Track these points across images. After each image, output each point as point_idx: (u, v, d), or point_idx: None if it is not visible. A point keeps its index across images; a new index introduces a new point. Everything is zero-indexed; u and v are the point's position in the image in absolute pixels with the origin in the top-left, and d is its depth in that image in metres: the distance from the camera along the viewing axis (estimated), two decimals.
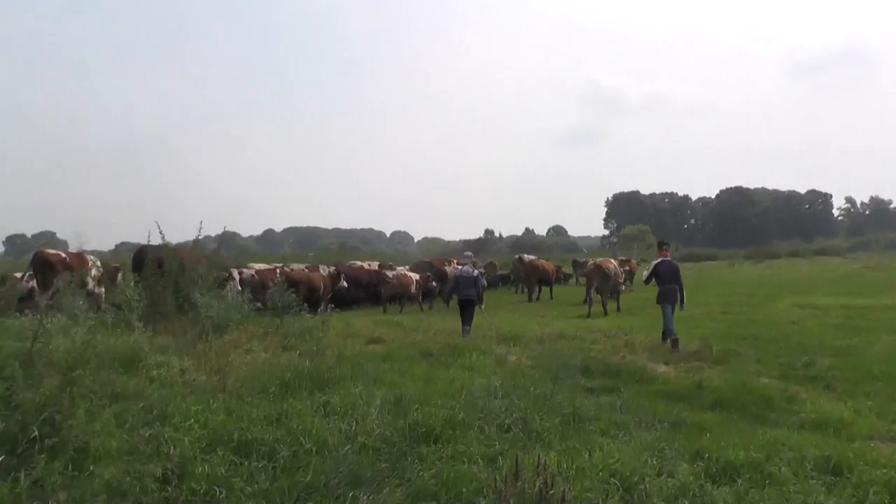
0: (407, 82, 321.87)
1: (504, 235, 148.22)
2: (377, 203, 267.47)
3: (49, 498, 4.90)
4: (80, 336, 6.84)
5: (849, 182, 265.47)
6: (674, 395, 9.70)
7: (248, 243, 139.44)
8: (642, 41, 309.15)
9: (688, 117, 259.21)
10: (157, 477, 5.41)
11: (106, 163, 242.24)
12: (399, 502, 5.33)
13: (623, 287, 27.12)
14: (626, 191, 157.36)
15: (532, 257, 40.82)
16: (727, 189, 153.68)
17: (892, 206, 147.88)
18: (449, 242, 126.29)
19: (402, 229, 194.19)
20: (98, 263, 23.32)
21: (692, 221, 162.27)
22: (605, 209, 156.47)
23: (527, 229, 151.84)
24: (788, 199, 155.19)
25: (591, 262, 27.82)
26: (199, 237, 15.24)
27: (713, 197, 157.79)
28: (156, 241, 15.53)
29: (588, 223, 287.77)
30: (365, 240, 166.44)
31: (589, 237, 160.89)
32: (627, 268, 35.01)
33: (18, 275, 23.16)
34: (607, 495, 5.40)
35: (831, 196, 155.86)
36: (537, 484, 4.77)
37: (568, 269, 46.28)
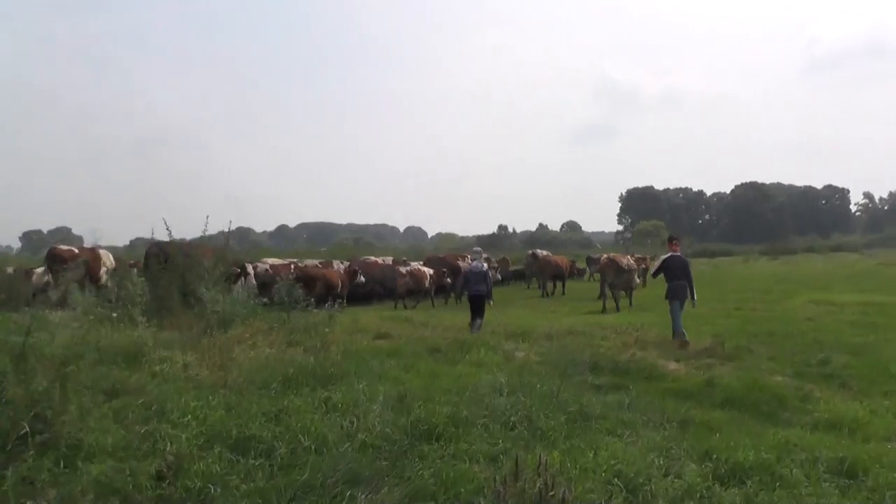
0: (422, 78, 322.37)
1: (518, 231, 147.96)
2: (391, 199, 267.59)
3: (38, 495, 4.78)
4: (74, 331, 6.69)
5: (867, 177, 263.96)
6: (683, 393, 9.49)
7: (261, 239, 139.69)
8: (658, 36, 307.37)
9: (703, 112, 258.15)
10: (151, 474, 5.30)
11: (122, 159, 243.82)
12: (397, 502, 5.16)
13: (636, 283, 26.91)
14: (640, 186, 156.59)
15: (545, 253, 40.65)
16: (742, 184, 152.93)
17: None
18: (463, 238, 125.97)
19: (416, 225, 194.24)
20: (111, 258, 23.40)
21: (707, 217, 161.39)
22: (620, 205, 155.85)
23: (540, 225, 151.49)
24: (805, 195, 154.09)
25: (604, 256, 27.66)
26: (206, 232, 15.11)
27: (728, 192, 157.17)
28: (161, 236, 15.47)
29: (602, 219, 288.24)
30: (378, 235, 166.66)
31: (603, 233, 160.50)
32: (644, 266, 34.77)
33: (39, 270, 23.31)
34: (611, 496, 5.23)
35: (849, 191, 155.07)
36: (537, 485, 4.60)
37: (582, 265, 46.05)
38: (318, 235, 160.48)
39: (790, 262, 62.09)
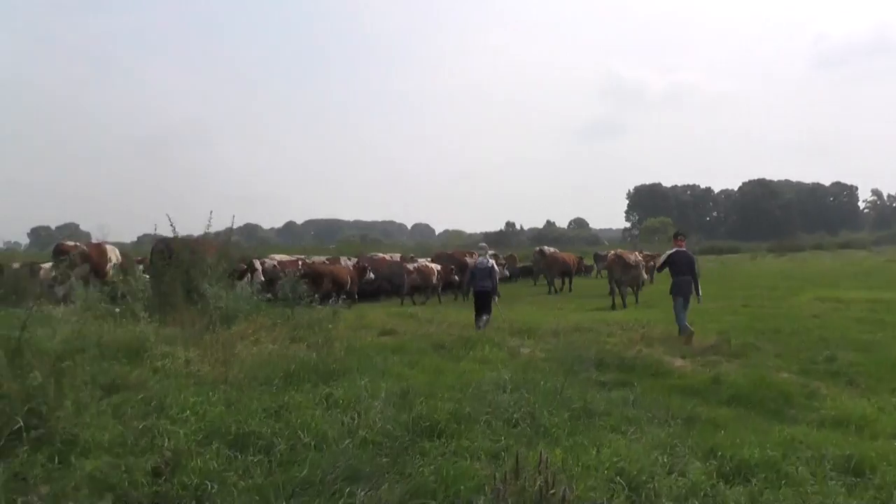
0: (428, 76, 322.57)
1: (525, 228, 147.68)
2: (398, 196, 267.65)
3: (30, 491, 4.72)
4: (72, 325, 6.64)
5: (875, 174, 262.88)
6: (689, 389, 9.40)
7: (269, 235, 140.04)
8: (664, 33, 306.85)
9: (710, 109, 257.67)
10: (147, 470, 5.24)
11: (130, 156, 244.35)
12: (396, 499, 5.10)
13: (644, 280, 26.84)
14: (647, 183, 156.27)
15: (553, 249, 40.57)
16: (750, 181, 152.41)
17: None
18: (470, 235, 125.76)
19: (424, 222, 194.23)
20: (117, 253, 23.42)
21: (714, 214, 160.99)
22: (627, 202, 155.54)
23: (548, 222, 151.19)
24: (813, 192, 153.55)
25: (611, 253, 27.59)
26: (209, 228, 15.08)
27: (736, 189, 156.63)
28: (165, 232, 15.47)
29: (610, 216, 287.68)
30: (386, 232, 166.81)
31: (610, 230, 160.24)
32: (652, 263, 34.64)
33: (47, 265, 23.35)
34: (613, 495, 5.15)
35: (857, 188, 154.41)
36: (538, 482, 4.54)
37: (590, 262, 45.95)
38: (325, 232, 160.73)
39: (797, 259, 61.86)
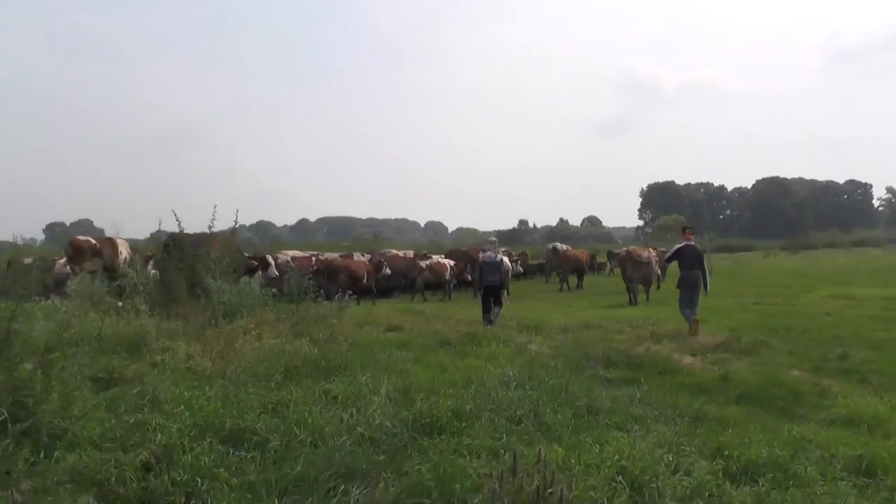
0: (442, 72, 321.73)
1: (538, 226, 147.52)
2: (412, 193, 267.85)
3: (11, 486, 4.59)
4: (60, 317, 6.52)
5: (890, 172, 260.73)
6: (697, 387, 9.24)
7: (282, 233, 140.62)
8: (678, 30, 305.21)
9: (724, 106, 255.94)
10: (136, 466, 5.11)
11: (144, 152, 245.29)
12: (392, 498, 4.96)
13: (657, 275, 26.70)
14: (661, 181, 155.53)
15: (565, 247, 40.49)
16: (764, 179, 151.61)
17: None
18: (483, 232, 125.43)
19: (437, 219, 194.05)
20: (128, 248, 23.48)
21: (728, 212, 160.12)
22: (640, 199, 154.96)
23: (561, 219, 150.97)
24: (827, 190, 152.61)
25: (623, 250, 27.49)
26: (213, 222, 15.03)
27: (749, 187, 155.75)
28: (171, 228, 15.46)
29: (623, 214, 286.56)
30: (399, 229, 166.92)
31: (624, 228, 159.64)
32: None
33: (62, 261, 23.45)
34: (614, 494, 4.98)
35: (871, 186, 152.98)
36: (535, 481, 4.38)
37: (602, 259, 45.83)
38: (338, 230, 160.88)
39: (811, 257, 61.31)
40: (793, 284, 29.13)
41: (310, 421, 6.32)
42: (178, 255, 14.37)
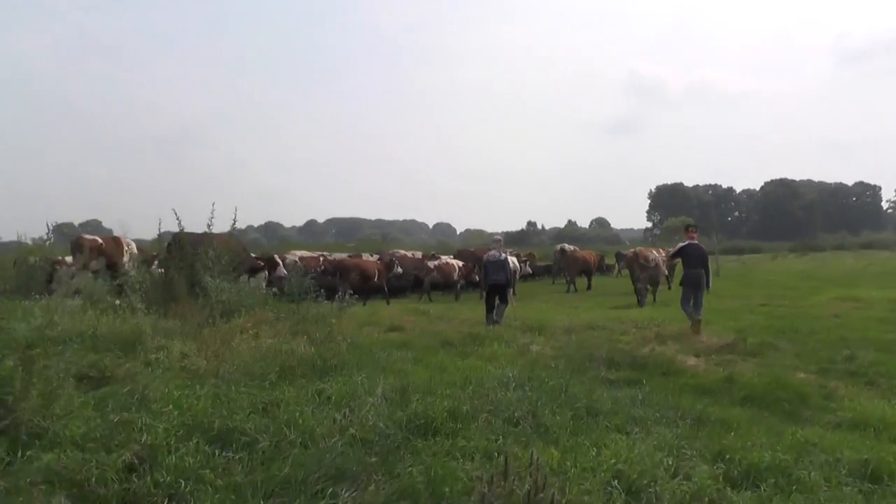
0: (450, 72, 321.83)
1: (546, 228, 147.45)
2: (420, 195, 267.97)
3: None
4: (44, 314, 6.39)
5: None
6: (701, 389, 9.05)
7: (290, 233, 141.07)
8: (687, 30, 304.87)
9: (732, 108, 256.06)
10: (119, 466, 4.98)
11: (151, 153, 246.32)
12: (381, 501, 4.81)
13: (665, 275, 26.56)
14: (669, 183, 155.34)
15: (573, 248, 40.39)
16: (772, 181, 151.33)
17: None
18: (491, 234, 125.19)
19: (445, 221, 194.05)
20: (134, 248, 23.47)
21: (736, 214, 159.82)
22: (649, 201, 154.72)
23: (569, 221, 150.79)
24: (835, 192, 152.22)
25: (630, 251, 27.38)
26: (212, 220, 14.94)
27: (758, 189, 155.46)
28: (172, 227, 15.40)
29: (631, 215, 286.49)
30: (407, 231, 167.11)
31: (632, 229, 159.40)
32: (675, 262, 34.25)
33: (69, 259, 23.44)
34: (609, 499, 4.83)
35: (880, 188, 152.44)
36: (527, 485, 4.24)
37: (611, 261, 45.67)
38: (346, 231, 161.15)
39: (819, 259, 61.05)
40: (800, 286, 28.90)
41: (301, 421, 6.19)
42: (178, 254, 14.32)
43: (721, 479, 5.41)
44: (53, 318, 6.76)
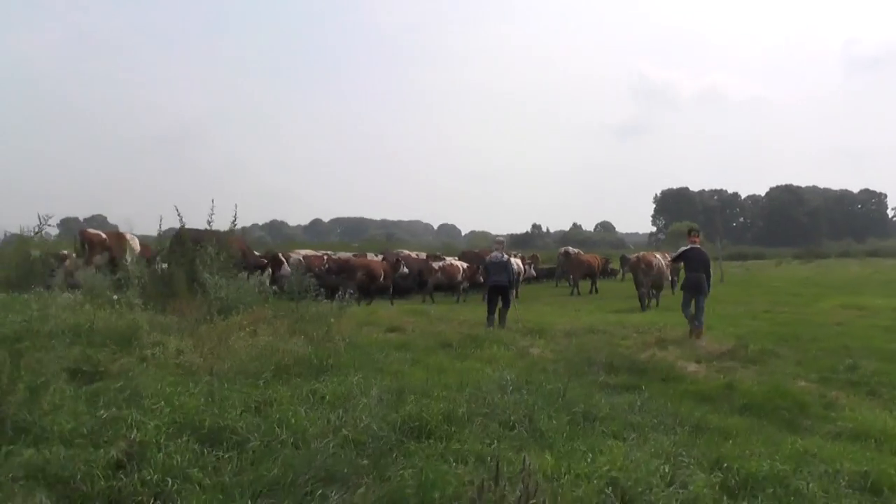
0: (454, 72, 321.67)
1: (551, 230, 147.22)
2: (425, 196, 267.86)
3: None
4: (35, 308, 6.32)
5: None
6: (700, 395, 8.97)
7: (295, 232, 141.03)
8: (694, 35, 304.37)
9: (739, 113, 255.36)
10: (106, 463, 4.91)
11: (158, 152, 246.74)
12: None
13: (667, 281, 26.48)
14: (674, 187, 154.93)
15: (577, 250, 40.29)
16: (777, 187, 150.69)
17: None
18: (496, 236, 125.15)
19: (450, 222, 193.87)
20: (137, 243, 23.42)
21: (741, 219, 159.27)
22: (654, 206, 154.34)
23: (574, 224, 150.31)
24: (841, 199, 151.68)
25: (634, 255, 27.31)
26: (210, 221, 14.91)
27: (763, 195, 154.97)
28: (173, 223, 15.38)
29: (636, 220, 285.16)
30: (412, 231, 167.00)
31: (637, 234, 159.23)
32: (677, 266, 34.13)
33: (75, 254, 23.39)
34: None
35: (886, 196, 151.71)
36: (517, 491, 4.15)
37: (616, 264, 45.56)
38: (351, 230, 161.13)
39: (823, 266, 60.71)
40: (804, 293, 28.72)
41: (293, 421, 6.12)
42: (179, 249, 14.29)
43: (718, 488, 5.33)
44: (46, 311, 6.60)
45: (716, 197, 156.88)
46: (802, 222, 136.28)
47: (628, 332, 15.12)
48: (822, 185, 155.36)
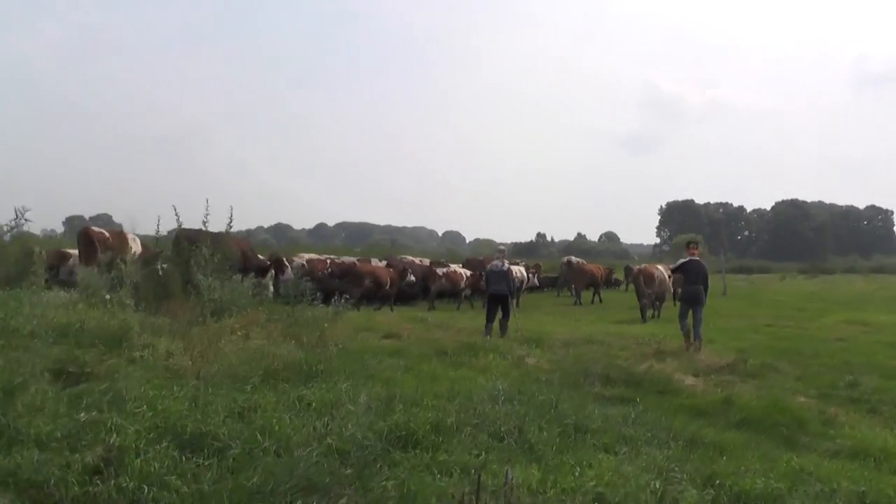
0: (463, 81, 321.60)
1: (556, 240, 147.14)
2: (430, 202, 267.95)
3: None
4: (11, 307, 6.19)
5: None
6: (697, 409, 8.84)
7: (299, 236, 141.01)
8: (704, 47, 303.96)
9: (747, 126, 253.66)
10: (82, 469, 4.77)
11: (163, 151, 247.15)
12: None
13: (669, 293, 26.37)
14: (680, 199, 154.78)
15: (579, 260, 40.17)
16: (783, 201, 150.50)
17: None
18: (500, 244, 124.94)
19: (455, 229, 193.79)
20: (138, 243, 23.37)
21: (746, 233, 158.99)
22: (659, 217, 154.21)
23: (579, 234, 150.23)
24: (847, 215, 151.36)
25: (636, 267, 27.25)
26: (206, 222, 14.82)
27: (769, 209, 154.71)
28: (169, 224, 15.32)
29: (641, 231, 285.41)
30: (417, 238, 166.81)
31: (641, 245, 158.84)
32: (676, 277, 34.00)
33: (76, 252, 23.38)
34: None
35: (892, 212, 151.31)
36: None
37: (620, 275, 45.40)
38: (356, 235, 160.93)
39: (828, 281, 60.54)
40: (808, 308, 28.56)
41: (277, 428, 5.96)
42: (176, 250, 14.21)
43: None
44: (25, 310, 6.47)
45: (721, 210, 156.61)
46: (808, 237, 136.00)
47: (627, 343, 15.01)
48: (827, 200, 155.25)
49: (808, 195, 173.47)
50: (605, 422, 7.46)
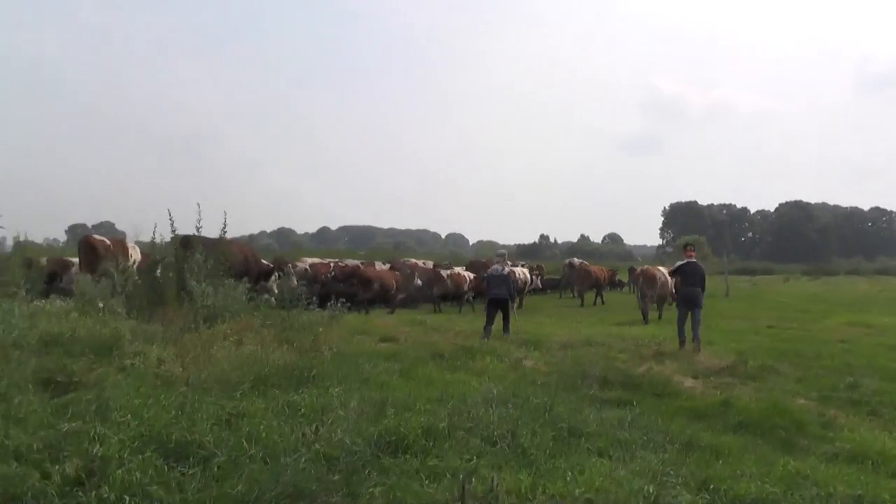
0: (466, 82, 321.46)
1: (559, 241, 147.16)
2: (433, 205, 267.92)
3: None
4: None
5: None
6: (695, 412, 8.70)
7: (302, 240, 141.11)
8: (707, 49, 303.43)
9: (750, 127, 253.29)
10: (63, 480, 4.69)
11: (165, 157, 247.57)
12: None
13: (670, 295, 26.28)
14: (683, 201, 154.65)
15: (582, 262, 40.09)
16: (787, 203, 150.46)
17: None
18: (504, 246, 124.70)
19: (458, 231, 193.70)
20: (138, 251, 23.34)
21: (750, 234, 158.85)
22: (662, 219, 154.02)
23: (582, 236, 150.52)
24: (850, 216, 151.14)
25: (638, 269, 27.16)
26: (199, 227, 14.72)
27: (772, 210, 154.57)
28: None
29: (644, 232, 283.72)
30: (420, 240, 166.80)
31: (645, 246, 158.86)
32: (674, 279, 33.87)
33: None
34: None
35: None
36: None
37: (623, 276, 45.29)
38: (359, 238, 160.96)
39: (832, 283, 60.34)
40: (811, 309, 28.39)
41: (264, 435, 5.88)
42: (176, 256, 14.13)
43: None
44: (11, 321, 6.40)
45: (725, 211, 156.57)
46: (812, 239, 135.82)
47: (626, 344, 14.87)
48: (832, 202, 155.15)
49: (812, 196, 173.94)
50: (600, 425, 7.37)
